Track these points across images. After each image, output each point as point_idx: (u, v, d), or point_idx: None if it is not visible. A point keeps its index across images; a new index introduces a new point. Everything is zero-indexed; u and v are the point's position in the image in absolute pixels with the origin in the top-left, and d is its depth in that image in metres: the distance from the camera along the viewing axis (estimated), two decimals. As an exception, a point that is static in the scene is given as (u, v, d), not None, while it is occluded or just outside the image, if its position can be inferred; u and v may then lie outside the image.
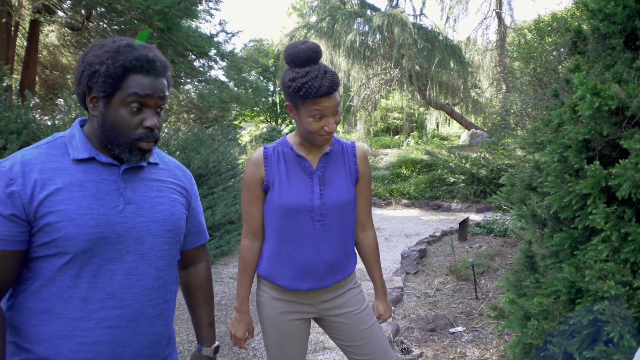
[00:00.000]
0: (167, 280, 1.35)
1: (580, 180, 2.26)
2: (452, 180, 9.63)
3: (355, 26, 12.95)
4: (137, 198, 1.29)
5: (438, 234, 6.70)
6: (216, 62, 9.37)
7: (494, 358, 3.16)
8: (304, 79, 1.64)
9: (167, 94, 1.29)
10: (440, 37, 13.51)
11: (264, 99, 27.28)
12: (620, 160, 1.94)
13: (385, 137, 19.44)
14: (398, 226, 7.93)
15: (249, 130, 26.43)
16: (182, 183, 1.44)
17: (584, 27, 2.81)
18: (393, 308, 4.07)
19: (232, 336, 1.92)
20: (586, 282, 2.28)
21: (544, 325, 2.54)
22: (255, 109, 27.77)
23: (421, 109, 20.98)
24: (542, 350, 2.57)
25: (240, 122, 26.73)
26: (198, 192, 1.54)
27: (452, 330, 3.59)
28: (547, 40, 4.94)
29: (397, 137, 18.78)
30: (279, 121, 28.84)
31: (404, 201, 9.67)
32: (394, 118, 21.91)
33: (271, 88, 27.74)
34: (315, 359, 3.36)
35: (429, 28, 13.63)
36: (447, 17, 16.85)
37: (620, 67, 2.35)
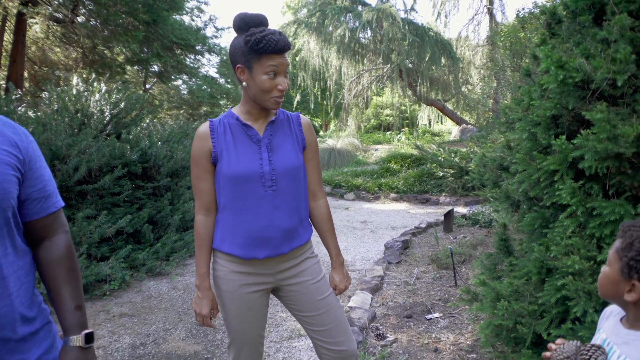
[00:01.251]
0: None
1: (548, 156, 2.23)
2: (441, 174, 9.61)
3: (344, 21, 12.90)
4: None
5: (423, 225, 6.67)
6: (202, 55, 9.29)
7: (468, 342, 3.12)
8: (262, 33, 1.66)
9: None
10: (431, 33, 13.48)
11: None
12: (582, 131, 1.90)
13: (377, 134, 19.43)
14: (385, 219, 7.89)
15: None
16: (9, 139, 1.18)
17: (560, 9, 2.77)
18: (372, 296, 4.03)
19: (197, 315, 1.90)
20: (553, 260, 2.24)
21: (513, 306, 2.51)
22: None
23: (415, 106, 20.98)
24: (512, 332, 2.54)
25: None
26: (42, 155, 1.29)
27: (429, 316, 3.55)
28: (527, 27, 4.91)
29: (388, 133, 18.76)
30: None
31: (393, 195, 9.64)
32: (387, 115, 21.90)
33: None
34: (291, 345, 3.31)
35: (420, 23, 13.60)
36: (438, 13, 16.84)
37: (588, 43, 2.32)
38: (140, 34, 7.84)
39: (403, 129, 18.55)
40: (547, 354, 1.28)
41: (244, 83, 1.75)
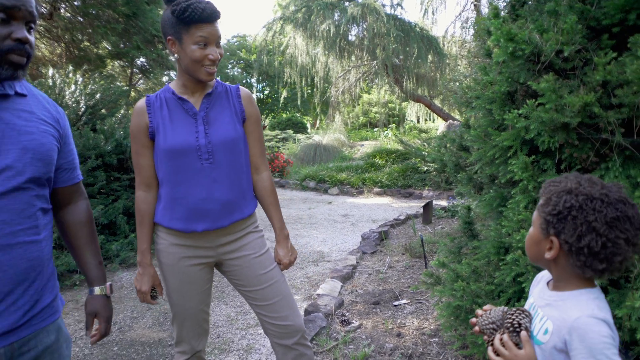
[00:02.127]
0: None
1: (503, 133, 2.20)
2: (425, 168, 9.60)
3: (330, 17, 12.85)
4: (3, 126, 1.21)
5: (402, 217, 6.64)
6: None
7: (432, 327, 3.09)
8: (187, 2, 1.65)
9: (36, 13, 1.24)
10: (417, 29, 13.44)
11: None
12: (527, 101, 1.87)
13: (364, 131, 19.42)
14: (367, 213, 7.86)
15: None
16: (53, 116, 1.37)
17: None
18: (342, 284, 3.99)
19: (137, 292, 1.89)
20: (507, 237, 2.22)
21: (471, 287, 2.48)
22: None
23: (405, 104, 20.98)
24: (470, 313, 2.51)
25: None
26: (71, 132, 1.47)
27: (396, 303, 3.52)
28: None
29: (376, 130, 18.74)
30: (263, 116, 28.66)
31: (376, 189, 9.61)
32: (375, 113, 21.89)
33: (255, 84, 27.54)
34: (256, 332, 3.28)
35: (405, 19, 13.57)
36: (425, 10, 16.75)
37: (544, 19, 2.29)
38: (120, 27, 7.76)
39: (390, 126, 18.53)
40: (474, 320, 1.24)
41: (175, 55, 1.75)
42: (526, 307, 1.23)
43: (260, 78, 26.28)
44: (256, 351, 3.03)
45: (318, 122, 18.09)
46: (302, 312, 3.47)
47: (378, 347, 2.87)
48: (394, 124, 18.99)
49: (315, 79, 14.87)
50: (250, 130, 1.90)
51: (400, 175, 9.85)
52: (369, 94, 22.06)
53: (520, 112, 1.90)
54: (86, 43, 9.26)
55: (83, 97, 5.83)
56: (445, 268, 2.70)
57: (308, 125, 19.53)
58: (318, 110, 15.33)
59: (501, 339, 1.14)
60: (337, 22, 12.97)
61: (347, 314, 3.38)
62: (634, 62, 1.65)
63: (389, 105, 20.66)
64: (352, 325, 3.17)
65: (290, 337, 1.94)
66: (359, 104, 20.73)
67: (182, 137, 1.74)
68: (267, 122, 23.51)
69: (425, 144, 10.63)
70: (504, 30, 2.03)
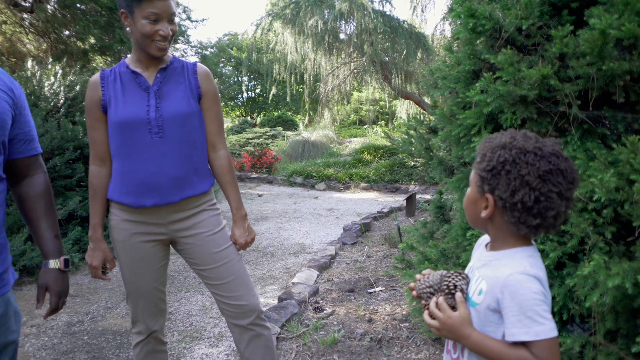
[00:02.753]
0: None
1: (467, 111, 2.17)
2: (412, 163, 9.59)
3: (319, 13, 12.82)
4: None
5: (386, 210, 6.63)
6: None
7: (403, 312, 3.07)
8: None
9: None
10: (405, 25, 13.44)
11: (240, 95, 27.04)
12: (484, 74, 1.84)
13: (354, 128, 19.40)
14: (352, 207, 7.84)
15: (226, 127, 26.21)
16: (6, 84, 1.37)
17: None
18: (318, 273, 3.96)
19: (89, 267, 1.87)
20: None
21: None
22: (230, 103, 27.51)
23: (394, 101, 20.96)
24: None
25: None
26: (29, 108, 1.49)
27: (371, 290, 3.49)
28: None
29: (365, 127, 18.74)
30: (254, 115, 28.57)
31: (363, 185, 9.60)
32: (366, 110, 21.89)
33: (246, 82, 27.41)
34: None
35: (394, 16, 13.56)
36: (414, 7, 16.75)
37: (509, -3, 2.27)
38: (103, 20, 7.69)
39: (379, 122, 18.53)
40: (412, 284, 1.22)
41: (127, 28, 1.75)
42: (466, 271, 1.21)
43: (251, 76, 26.20)
44: (227, 338, 3.00)
45: (307, 118, 18.03)
46: (275, 301, 3.45)
47: (348, 332, 2.85)
48: (383, 121, 18.97)
49: (305, 75, 14.82)
50: (207, 107, 1.88)
51: (387, 171, 9.84)
52: (360, 92, 22.05)
53: (477, 85, 1.87)
54: (73, 38, 9.18)
55: (62, 89, 5.78)
56: (414, 251, 2.68)
57: (300, 124, 19.47)
58: (307, 107, 15.26)
59: (437, 302, 1.12)
60: (325, 18, 12.93)
61: (321, 301, 3.35)
62: (588, 33, 1.63)
63: (380, 103, 20.65)
64: (325, 312, 3.15)
65: (246, 317, 1.91)
66: (349, 102, 20.71)
67: (132, 110, 1.74)
68: (258, 120, 23.42)
69: (412, 139, 10.59)
70: (465, 6, 2.01)
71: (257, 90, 27.50)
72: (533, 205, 1.00)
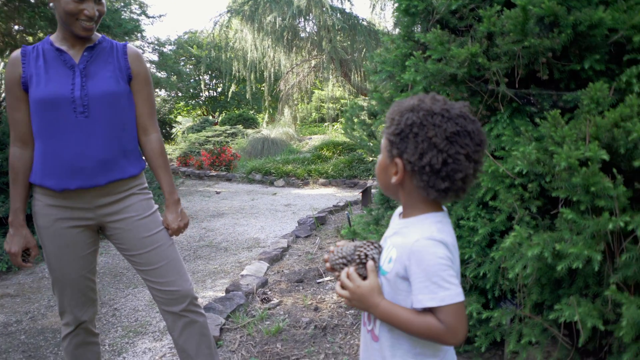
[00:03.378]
0: None
1: (403, 93, 2.18)
2: (371, 159, 9.65)
3: (277, 9, 12.75)
4: None
5: (342, 204, 6.64)
6: (122, 38, 8.86)
7: (350, 300, 3.06)
8: None
9: None
10: (364, 22, 13.53)
11: (200, 94, 26.59)
12: (414, 53, 1.85)
13: (315, 126, 19.42)
14: (310, 202, 7.82)
15: (186, 126, 25.75)
16: None
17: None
18: (269, 265, 3.92)
19: (8, 254, 1.77)
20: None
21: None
22: (191, 102, 27.05)
23: (356, 99, 21.06)
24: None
25: (176, 117, 26.00)
26: None
27: (319, 280, 3.48)
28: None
29: (325, 124, 18.78)
30: (216, 114, 28.17)
31: (322, 180, 9.60)
32: (328, 108, 21.93)
33: (207, 81, 26.96)
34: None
35: (353, 13, 13.63)
36: (374, 5, 16.94)
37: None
38: (50, 12, 7.40)
39: (340, 120, 18.60)
40: (326, 256, 1.20)
41: (51, 4, 1.67)
42: (381, 241, 1.19)
43: (212, 75, 25.82)
44: (170, 332, 2.92)
45: (267, 116, 17.92)
46: (222, 293, 3.39)
47: (294, 321, 2.82)
48: (343, 119, 19.06)
49: (265, 73, 14.72)
50: (138, 89, 1.82)
51: (346, 167, 9.86)
52: (322, 90, 22.07)
53: (407, 63, 1.88)
54: (23, 34, 8.82)
55: (3, 82, 5.54)
56: (358, 237, 2.67)
57: (264, 123, 19.32)
58: (266, 104, 15.15)
59: (348, 273, 1.10)
60: (284, 15, 12.88)
61: (269, 292, 3.31)
62: (513, 11, 1.65)
63: (341, 101, 20.73)
64: (272, 302, 3.11)
65: (178, 304, 1.85)
66: (311, 101, 20.71)
67: (56, 88, 1.65)
68: (219, 119, 23.14)
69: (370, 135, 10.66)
70: (399, -14, 2.02)
71: (219, 90, 27.15)
72: (441, 167, 0.99)
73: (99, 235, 1.89)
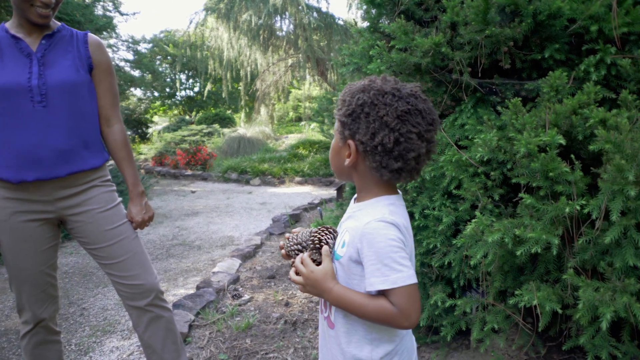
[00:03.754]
0: None
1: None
2: (347, 157, 9.66)
3: (253, 7, 12.69)
4: None
5: (316, 201, 6.63)
6: (96, 34, 8.69)
7: (321, 294, 3.05)
8: None
9: None
10: (340, 22, 13.56)
11: (177, 93, 26.28)
12: (378, 42, 1.84)
13: (292, 125, 19.38)
14: (285, 200, 7.79)
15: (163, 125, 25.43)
16: None
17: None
18: (241, 262, 3.88)
19: None
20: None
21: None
22: (167, 102, 26.72)
23: (334, 98, 21.03)
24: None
25: (152, 116, 25.66)
26: None
27: (292, 275, 3.46)
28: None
29: (302, 123, 18.76)
30: (192, 113, 27.87)
31: (298, 179, 9.58)
32: (305, 107, 21.91)
33: (184, 81, 26.65)
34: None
35: (329, 12, 13.67)
36: (350, 4, 16.99)
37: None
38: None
39: (319, 118, 18.61)
40: (282, 243, 1.18)
41: None
42: (338, 227, 1.18)
43: (189, 74, 25.54)
44: (138, 329, 2.86)
45: (243, 114, 17.80)
46: (193, 290, 3.34)
47: (264, 317, 2.80)
48: (321, 117, 19.05)
49: (241, 72, 14.62)
50: (100, 79, 1.77)
51: (322, 165, 9.86)
52: (299, 89, 22.04)
53: (371, 53, 1.87)
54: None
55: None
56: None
57: (241, 122, 19.18)
58: (243, 104, 15.05)
59: (302, 258, 1.08)
60: (259, 13, 12.81)
61: (240, 288, 3.28)
62: (475, 0, 1.66)
63: (318, 99, 20.74)
64: (243, 298, 3.08)
65: (143, 298, 1.81)
66: (288, 100, 20.65)
67: (11, 77, 1.60)
68: (196, 118, 22.92)
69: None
70: (364, -24, 2.01)
71: (195, 89, 26.87)
72: (393, 147, 0.98)
73: (60, 229, 1.83)
